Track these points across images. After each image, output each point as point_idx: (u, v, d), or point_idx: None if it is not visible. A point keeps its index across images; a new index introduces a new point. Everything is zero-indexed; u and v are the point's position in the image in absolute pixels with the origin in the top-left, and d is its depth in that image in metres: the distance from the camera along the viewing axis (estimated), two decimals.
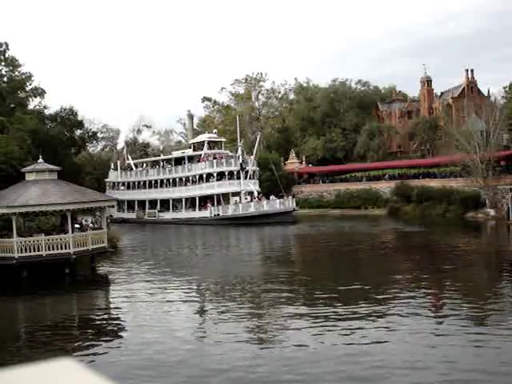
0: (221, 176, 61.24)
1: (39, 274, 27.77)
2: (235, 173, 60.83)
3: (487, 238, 43.08)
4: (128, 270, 30.44)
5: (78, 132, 62.24)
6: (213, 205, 59.62)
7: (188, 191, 63.16)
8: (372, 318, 17.61)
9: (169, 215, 64.20)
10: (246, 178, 60.57)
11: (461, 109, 75.97)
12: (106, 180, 74.83)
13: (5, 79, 49.35)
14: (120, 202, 70.65)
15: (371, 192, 65.43)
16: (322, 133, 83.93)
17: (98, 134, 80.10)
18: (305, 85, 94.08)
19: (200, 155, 64.14)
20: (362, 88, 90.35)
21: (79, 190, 31.76)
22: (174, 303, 21.31)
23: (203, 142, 65.51)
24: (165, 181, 66.50)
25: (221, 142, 67.77)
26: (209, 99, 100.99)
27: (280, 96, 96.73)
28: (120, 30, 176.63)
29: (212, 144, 66.08)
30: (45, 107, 55.28)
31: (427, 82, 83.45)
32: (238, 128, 67.10)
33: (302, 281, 25.31)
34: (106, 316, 21.00)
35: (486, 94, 79.25)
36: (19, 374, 1.43)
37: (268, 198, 59.21)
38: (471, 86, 79.67)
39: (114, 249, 36.56)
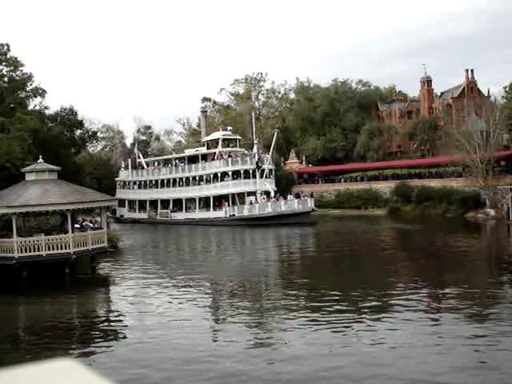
0: (236, 175, 59.23)
1: (39, 273, 27.75)
2: (251, 172, 58.80)
3: (487, 238, 43.06)
4: (129, 271, 30.43)
5: (78, 132, 62.10)
6: (228, 205, 57.73)
7: (202, 191, 61.18)
8: (373, 321, 17.62)
9: (182, 215, 62.19)
10: (262, 176, 58.64)
11: (461, 109, 75.91)
12: (116, 179, 73.41)
13: (5, 79, 49.30)
14: (131, 202, 69.77)
15: (371, 192, 65.37)
16: (322, 133, 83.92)
17: (98, 134, 79.87)
18: (306, 84, 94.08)
19: (214, 153, 62.02)
20: (363, 88, 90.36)
21: (79, 190, 31.76)
22: (175, 304, 21.24)
23: (217, 139, 63.30)
24: (178, 180, 64.43)
25: (235, 139, 65.33)
26: (208, 99, 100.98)
27: (280, 96, 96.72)
28: (120, 30, 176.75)
29: (226, 142, 64.05)
30: (45, 107, 55.18)
31: (427, 82, 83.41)
32: (253, 125, 64.86)
33: (310, 284, 24.99)
34: (105, 316, 21.00)
35: (486, 94, 79.22)
36: (19, 373, 1.43)
37: (285, 198, 57.14)
38: (471, 86, 79.63)
39: (115, 249, 36.54)
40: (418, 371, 12.85)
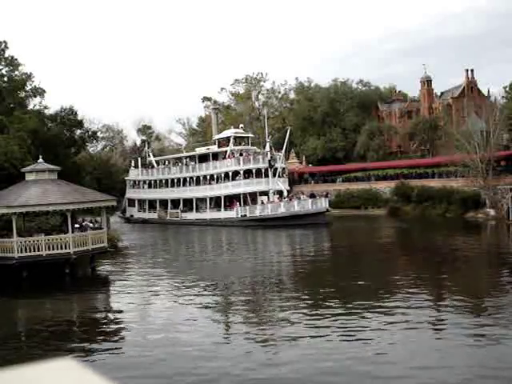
0: (248, 174, 57.74)
1: (39, 274, 27.75)
2: (263, 171, 57.17)
3: (487, 238, 43.05)
4: (129, 270, 30.43)
5: (78, 132, 61.97)
6: (240, 205, 56.17)
7: (213, 190, 59.66)
8: (375, 321, 17.62)
9: (192, 215, 60.77)
10: (274, 176, 57.11)
11: (461, 109, 75.94)
12: (126, 178, 72.62)
13: (5, 79, 49.22)
14: (141, 202, 68.73)
15: (371, 192, 65.39)
16: (322, 133, 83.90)
17: (98, 134, 79.72)
18: (306, 84, 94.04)
19: (225, 152, 60.36)
20: (363, 88, 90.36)
21: (79, 189, 31.75)
22: (176, 304, 21.21)
23: (229, 137, 61.59)
24: (188, 179, 62.91)
25: (247, 137, 63.93)
26: (209, 99, 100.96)
27: (280, 96, 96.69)
28: (120, 30, 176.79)
29: (238, 140, 62.54)
30: (45, 107, 55.01)
31: (427, 81, 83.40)
32: (265, 123, 63.56)
33: (318, 286, 24.98)
34: (105, 316, 20.98)
35: (486, 94, 79.22)
36: (19, 374, 1.43)
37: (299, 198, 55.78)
38: (471, 86, 79.64)
39: (115, 249, 36.52)
40: (422, 375, 12.87)
